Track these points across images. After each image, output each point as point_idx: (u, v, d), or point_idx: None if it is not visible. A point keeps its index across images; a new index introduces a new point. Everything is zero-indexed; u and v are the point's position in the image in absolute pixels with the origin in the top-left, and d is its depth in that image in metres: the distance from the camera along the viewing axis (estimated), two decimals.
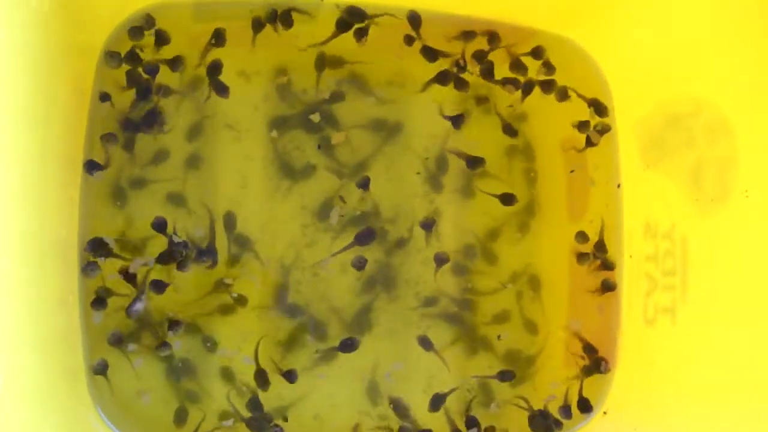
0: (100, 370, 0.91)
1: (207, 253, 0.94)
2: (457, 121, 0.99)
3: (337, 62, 0.98)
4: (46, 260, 0.85)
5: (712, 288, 0.86)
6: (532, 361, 0.98)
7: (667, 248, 0.91)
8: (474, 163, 0.99)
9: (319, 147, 0.98)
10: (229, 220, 0.95)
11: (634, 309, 0.96)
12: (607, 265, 0.98)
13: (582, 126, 1.00)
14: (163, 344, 0.93)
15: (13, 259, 0.77)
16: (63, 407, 0.87)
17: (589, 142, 1.00)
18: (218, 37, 0.96)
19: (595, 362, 0.97)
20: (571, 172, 1.00)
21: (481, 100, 1.00)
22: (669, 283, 0.91)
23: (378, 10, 0.98)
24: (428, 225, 0.98)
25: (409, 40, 0.99)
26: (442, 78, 0.99)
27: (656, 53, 0.92)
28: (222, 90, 0.96)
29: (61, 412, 0.87)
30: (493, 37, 0.99)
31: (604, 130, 1.00)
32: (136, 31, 0.94)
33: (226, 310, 0.95)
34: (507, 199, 0.99)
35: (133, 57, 0.95)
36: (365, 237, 0.97)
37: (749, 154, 0.82)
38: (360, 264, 0.97)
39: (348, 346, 0.96)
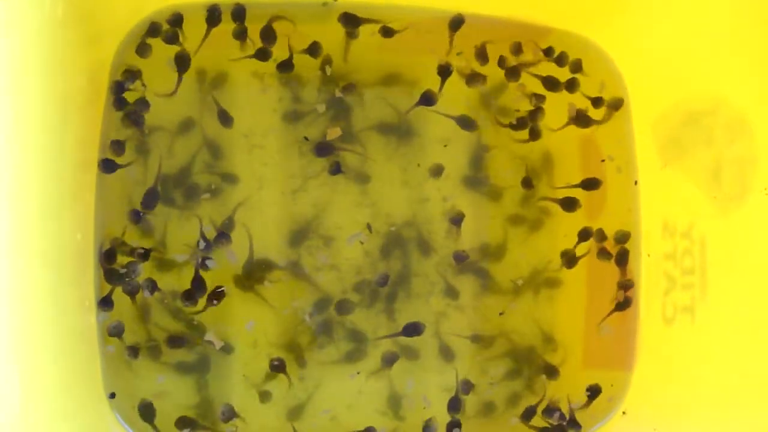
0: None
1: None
2: (465, 123, 0.99)
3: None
4: (64, 264, 0.85)
5: (732, 287, 0.85)
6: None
7: (686, 247, 0.91)
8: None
9: (306, 139, 0.97)
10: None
11: (652, 308, 0.95)
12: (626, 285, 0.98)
13: (595, 102, 0.99)
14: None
15: (31, 262, 0.77)
16: (81, 409, 0.88)
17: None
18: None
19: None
20: (602, 161, 0.99)
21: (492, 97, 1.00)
22: (688, 282, 0.90)
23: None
24: (457, 221, 0.98)
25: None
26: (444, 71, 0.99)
27: (673, 51, 0.91)
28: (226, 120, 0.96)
29: (80, 415, 0.87)
30: (516, 47, 0.99)
31: (617, 105, 0.99)
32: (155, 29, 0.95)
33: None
34: (569, 203, 0.99)
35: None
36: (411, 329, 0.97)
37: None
38: (382, 280, 0.97)
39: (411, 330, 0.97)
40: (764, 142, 0.81)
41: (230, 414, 0.94)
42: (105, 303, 0.92)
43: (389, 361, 0.96)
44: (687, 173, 0.91)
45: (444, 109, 0.98)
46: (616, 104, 0.99)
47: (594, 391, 0.97)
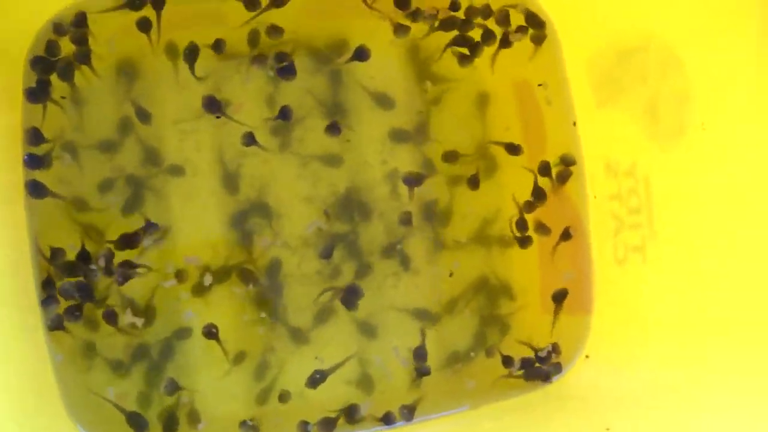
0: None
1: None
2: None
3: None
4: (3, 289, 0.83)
5: (679, 223, 0.85)
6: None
7: (630, 186, 0.90)
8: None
9: (217, 117, 0.95)
10: None
11: (604, 250, 0.95)
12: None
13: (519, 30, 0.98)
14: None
15: None
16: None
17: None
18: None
19: None
20: (539, 84, 0.98)
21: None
22: (636, 221, 0.90)
23: None
24: (411, 181, 0.97)
25: None
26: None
27: None
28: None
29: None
30: None
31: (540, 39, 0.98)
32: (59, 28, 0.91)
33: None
34: (513, 148, 0.98)
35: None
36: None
37: (702, 87, 0.80)
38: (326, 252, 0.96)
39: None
40: (697, 78, 0.80)
41: (173, 387, 0.92)
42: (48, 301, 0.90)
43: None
44: (624, 112, 0.90)
45: (376, 66, 0.97)
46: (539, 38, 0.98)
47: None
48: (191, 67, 0.93)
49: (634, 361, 0.89)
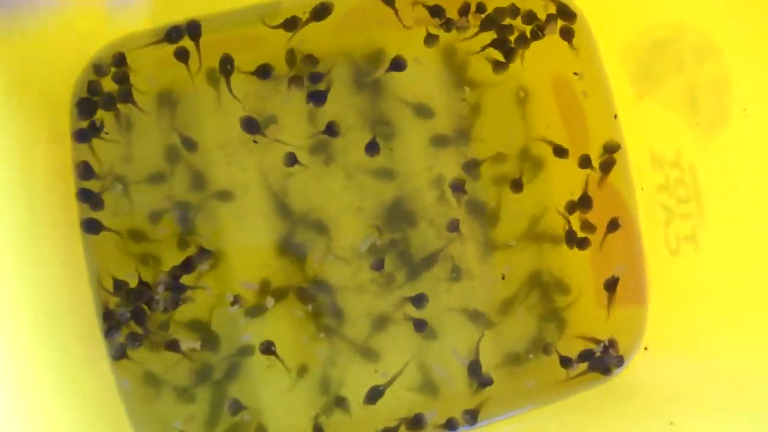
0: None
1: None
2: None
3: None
4: (65, 324, 0.85)
5: (729, 211, 0.85)
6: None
7: (677, 177, 0.90)
8: None
9: (255, 141, 0.96)
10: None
11: (656, 241, 0.95)
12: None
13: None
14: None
15: (32, 332, 0.78)
16: None
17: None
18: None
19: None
20: (575, 73, 0.98)
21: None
22: (685, 211, 0.89)
23: None
24: (458, 186, 0.98)
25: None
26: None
27: None
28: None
29: None
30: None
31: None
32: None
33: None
34: (560, 151, 0.98)
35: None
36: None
37: (741, 72, 0.80)
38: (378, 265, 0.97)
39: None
40: (734, 63, 0.80)
41: (237, 407, 0.94)
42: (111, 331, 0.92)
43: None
44: (664, 103, 0.89)
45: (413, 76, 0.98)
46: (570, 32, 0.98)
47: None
48: (228, 83, 0.95)
49: (694, 352, 0.89)
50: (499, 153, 0.98)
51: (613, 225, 0.97)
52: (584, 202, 0.98)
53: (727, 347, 0.85)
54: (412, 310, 0.97)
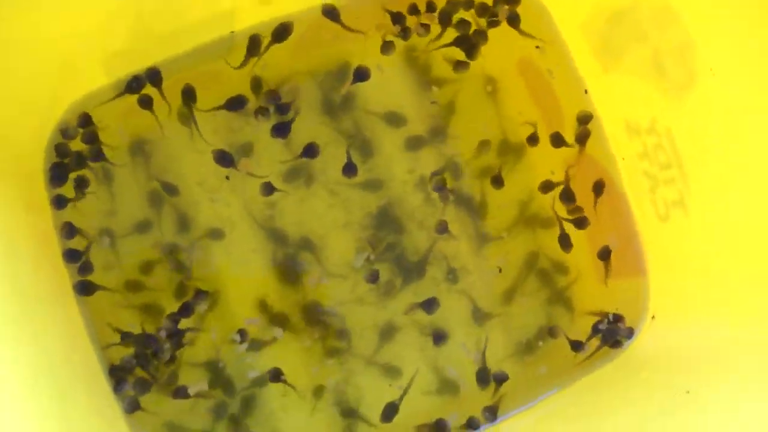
0: None
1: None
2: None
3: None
4: (74, 390, 0.85)
5: (712, 171, 0.84)
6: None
7: (655, 142, 0.89)
8: None
9: (227, 177, 0.96)
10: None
11: (644, 209, 0.95)
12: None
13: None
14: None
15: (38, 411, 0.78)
16: None
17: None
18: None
19: None
20: (537, 47, 0.98)
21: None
22: (669, 176, 0.89)
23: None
24: (440, 186, 0.97)
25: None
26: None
27: None
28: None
29: None
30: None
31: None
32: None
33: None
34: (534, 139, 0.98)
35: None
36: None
37: (702, 33, 0.79)
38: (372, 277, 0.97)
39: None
40: (695, 25, 0.79)
41: None
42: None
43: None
44: (631, 72, 0.89)
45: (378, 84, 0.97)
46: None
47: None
48: (192, 116, 0.95)
49: (702, 318, 0.88)
50: (479, 143, 0.98)
51: (599, 187, 0.97)
52: (568, 195, 0.98)
53: (736, 312, 0.84)
54: (423, 316, 0.97)
